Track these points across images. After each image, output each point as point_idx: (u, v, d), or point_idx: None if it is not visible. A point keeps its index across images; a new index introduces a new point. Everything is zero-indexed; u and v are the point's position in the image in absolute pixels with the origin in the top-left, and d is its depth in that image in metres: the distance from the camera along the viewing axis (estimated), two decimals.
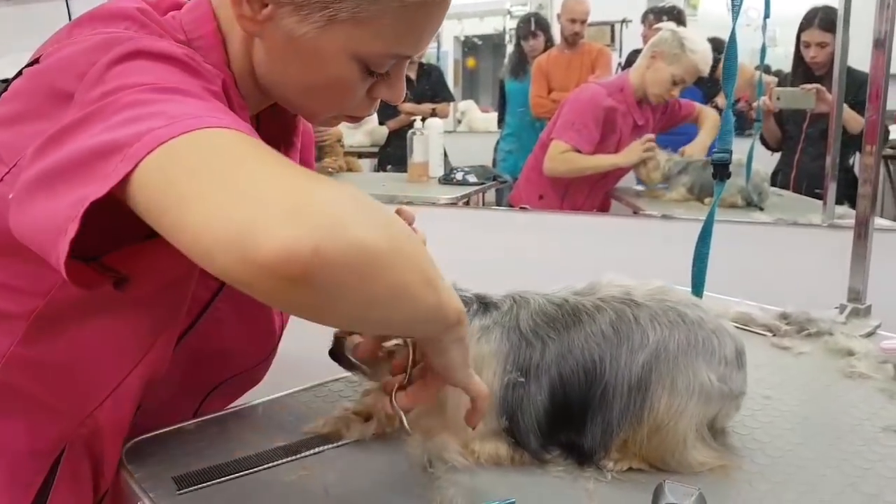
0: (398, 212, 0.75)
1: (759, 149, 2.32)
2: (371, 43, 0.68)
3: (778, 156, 2.59)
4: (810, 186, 2.43)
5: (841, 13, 1.63)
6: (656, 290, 0.77)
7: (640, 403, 0.72)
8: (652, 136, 2.39)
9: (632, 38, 2.93)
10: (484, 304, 0.76)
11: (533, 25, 2.98)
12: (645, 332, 0.73)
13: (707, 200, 2.25)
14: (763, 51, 1.87)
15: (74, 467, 0.76)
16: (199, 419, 0.87)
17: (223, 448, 0.80)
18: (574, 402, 0.73)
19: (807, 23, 2.58)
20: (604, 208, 2.55)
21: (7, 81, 0.78)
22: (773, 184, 2.37)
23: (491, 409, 0.72)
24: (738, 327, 1.16)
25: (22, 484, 0.74)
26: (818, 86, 2.43)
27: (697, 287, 1.01)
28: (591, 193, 2.49)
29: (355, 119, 0.79)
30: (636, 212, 2.37)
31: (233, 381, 0.92)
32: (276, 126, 0.84)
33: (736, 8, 1.00)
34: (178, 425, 0.85)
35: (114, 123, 0.55)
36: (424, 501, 0.68)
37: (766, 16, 1.51)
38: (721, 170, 1.00)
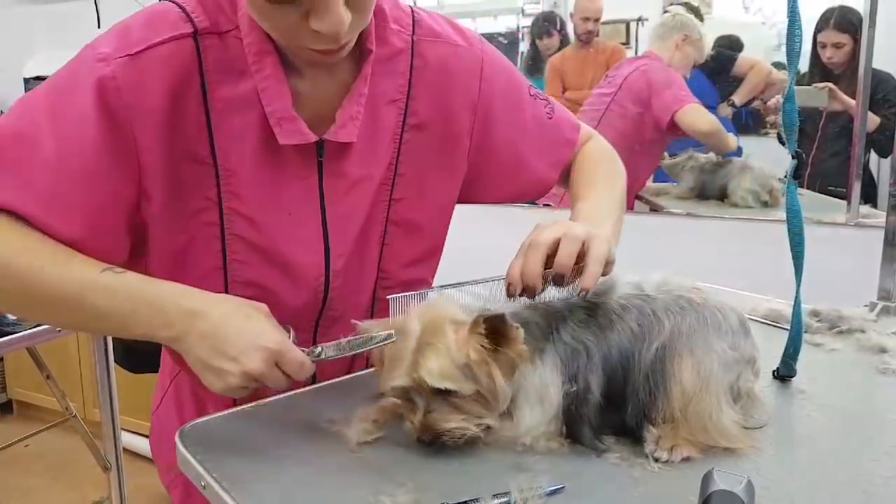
0: None
1: (775, 146, 2.34)
2: None
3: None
4: (824, 184, 2.43)
5: (866, 12, 1.64)
6: (661, 282, 0.84)
7: (662, 378, 0.77)
8: None
9: (647, 36, 2.94)
10: (525, 325, 0.77)
11: (555, 23, 2.99)
12: (661, 322, 0.79)
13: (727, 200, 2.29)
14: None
15: None
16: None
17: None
18: (617, 394, 0.79)
19: (823, 23, 2.58)
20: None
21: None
22: None
23: (551, 418, 0.78)
24: (768, 324, 1.18)
25: None
26: (830, 84, 2.43)
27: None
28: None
29: (325, 53, 0.81)
30: (654, 209, 2.39)
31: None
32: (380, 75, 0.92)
33: None
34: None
35: None
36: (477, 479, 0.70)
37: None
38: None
